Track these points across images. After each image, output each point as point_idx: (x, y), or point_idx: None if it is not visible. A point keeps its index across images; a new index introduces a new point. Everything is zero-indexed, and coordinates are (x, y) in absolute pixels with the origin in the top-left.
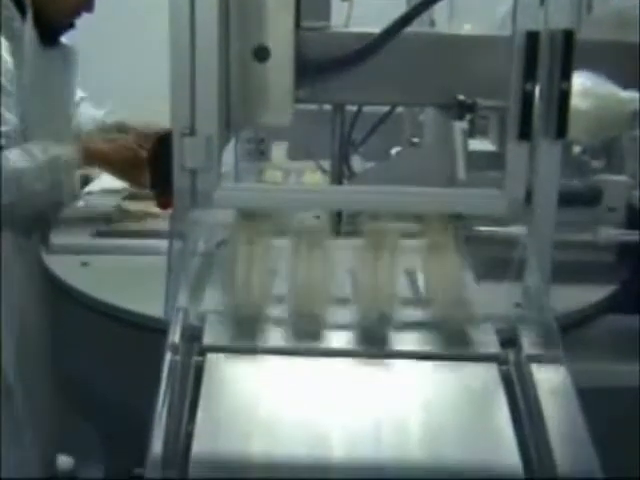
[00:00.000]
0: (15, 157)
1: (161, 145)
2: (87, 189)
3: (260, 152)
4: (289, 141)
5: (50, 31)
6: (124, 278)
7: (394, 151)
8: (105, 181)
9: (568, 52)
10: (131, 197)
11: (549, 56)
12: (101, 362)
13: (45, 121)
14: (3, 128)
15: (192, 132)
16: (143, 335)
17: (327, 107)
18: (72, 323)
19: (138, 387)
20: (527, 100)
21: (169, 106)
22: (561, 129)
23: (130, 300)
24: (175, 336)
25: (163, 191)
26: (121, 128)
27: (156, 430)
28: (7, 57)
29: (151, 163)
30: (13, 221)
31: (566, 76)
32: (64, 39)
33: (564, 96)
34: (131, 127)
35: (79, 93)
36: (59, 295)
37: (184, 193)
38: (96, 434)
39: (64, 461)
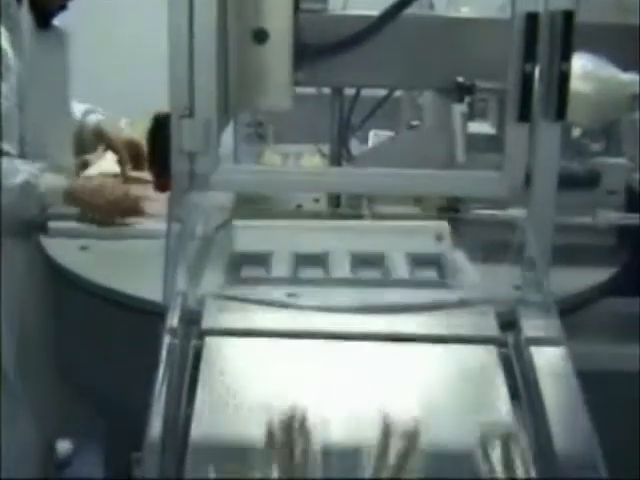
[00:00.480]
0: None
1: (159, 127)
2: (85, 173)
3: (259, 135)
4: (287, 124)
5: (43, 13)
6: (123, 262)
7: (372, 133)
8: (103, 166)
9: (568, 33)
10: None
11: (549, 37)
12: (100, 346)
13: (42, 104)
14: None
15: (190, 114)
16: (142, 319)
17: (326, 91)
18: (71, 307)
19: (137, 371)
20: (527, 81)
21: (168, 89)
22: (561, 110)
23: (129, 284)
24: (173, 320)
25: (161, 174)
26: (99, 136)
27: (154, 413)
28: (6, 46)
29: (149, 145)
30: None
31: (566, 57)
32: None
33: (564, 77)
34: (107, 136)
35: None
36: (58, 279)
37: (182, 176)
38: (95, 418)
39: (63, 446)
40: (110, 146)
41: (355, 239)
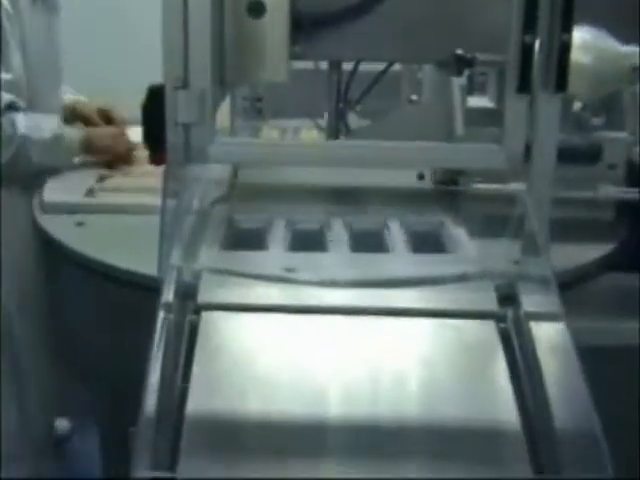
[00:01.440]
0: (25, 124)
1: (154, 99)
2: None
3: (257, 110)
4: (284, 100)
5: None
6: (120, 237)
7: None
8: None
9: (569, 3)
10: None
11: (549, 8)
12: (97, 322)
13: (39, 72)
14: (10, 76)
15: (185, 85)
16: (139, 294)
17: (324, 66)
18: (68, 283)
19: (134, 347)
20: (526, 53)
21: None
22: (561, 82)
23: (126, 259)
24: (168, 295)
25: (156, 147)
26: (75, 114)
27: (149, 389)
28: (7, 5)
29: (143, 118)
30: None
31: (567, 28)
32: None
33: (564, 48)
34: (82, 113)
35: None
36: (55, 255)
37: (177, 148)
38: (91, 395)
39: (61, 424)
40: (86, 122)
41: (341, 173)
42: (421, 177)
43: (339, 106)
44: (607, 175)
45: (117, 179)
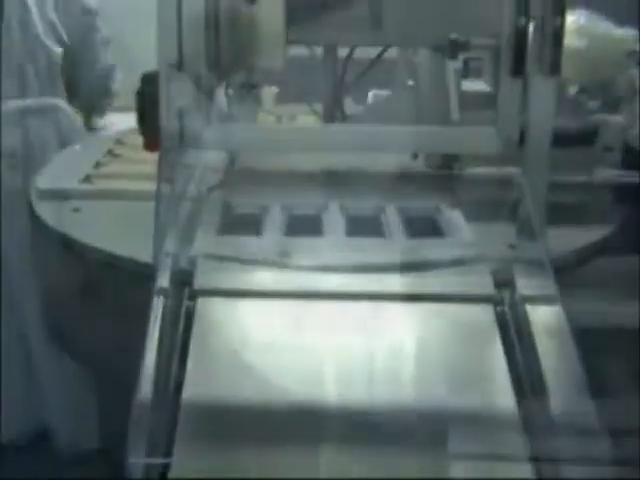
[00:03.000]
0: None
1: (149, 83)
2: None
3: (253, 98)
4: (280, 86)
5: None
6: (116, 224)
7: (371, 94)
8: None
9: None
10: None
11: None
12: (94, 310)
13: None
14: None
15: (179, 70)
16: (137, 281)
17: (319, 52)
18: (64, 271)
19: (132, 335)
20: (520, 36)
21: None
22: (555, 65)
23: (123, 246)
24: (164, 280)
25: (150, 133)
26: None
27: (145, 374)
28: None
29: (138, 103)
30: None
31: (560, 10)
32: None
33: (558, 31)
34: None
35: None
36: (51, 242)
37: (172, 134)
38: (90, 382)
39: None
40: None
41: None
42: (415, 157)
43: (335, 92)
44: (603, 158)
45: (113, 166)
